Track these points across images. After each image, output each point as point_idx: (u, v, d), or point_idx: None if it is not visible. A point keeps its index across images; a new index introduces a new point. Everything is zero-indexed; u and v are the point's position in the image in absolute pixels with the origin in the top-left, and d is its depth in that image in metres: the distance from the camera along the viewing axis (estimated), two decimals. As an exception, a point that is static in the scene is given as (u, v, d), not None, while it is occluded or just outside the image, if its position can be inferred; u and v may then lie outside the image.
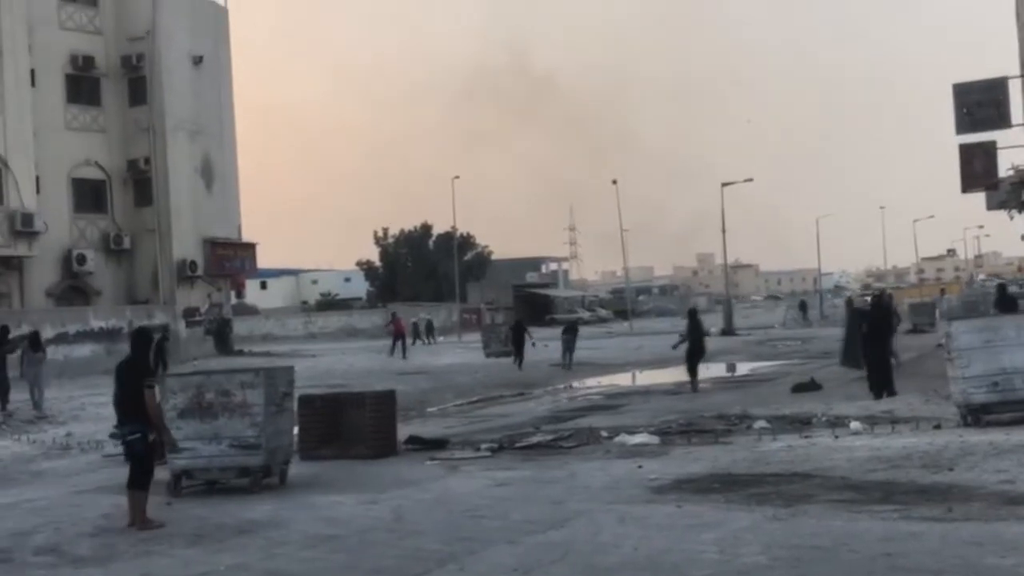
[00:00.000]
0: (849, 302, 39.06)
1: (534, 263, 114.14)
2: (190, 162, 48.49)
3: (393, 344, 47.90)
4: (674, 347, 27.60)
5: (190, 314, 47.53)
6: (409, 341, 53.75)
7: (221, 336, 49.75)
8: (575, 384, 30.20)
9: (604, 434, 16.39)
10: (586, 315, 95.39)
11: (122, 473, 11.72)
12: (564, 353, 35.85)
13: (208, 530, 10.55)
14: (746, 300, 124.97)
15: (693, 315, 27.57)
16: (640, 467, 12.87)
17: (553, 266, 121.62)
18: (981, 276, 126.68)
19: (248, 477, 12.96)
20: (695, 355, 25.97)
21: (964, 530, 8.51)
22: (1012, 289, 65.97)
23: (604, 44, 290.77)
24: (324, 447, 15.46)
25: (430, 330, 63.77)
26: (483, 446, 15.76)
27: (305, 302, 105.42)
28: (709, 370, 29.92)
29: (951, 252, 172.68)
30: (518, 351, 37.09)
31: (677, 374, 27.56)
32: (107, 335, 40.56)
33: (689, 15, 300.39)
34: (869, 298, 32.28)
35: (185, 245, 47.85)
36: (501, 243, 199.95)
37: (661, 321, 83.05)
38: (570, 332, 36.68)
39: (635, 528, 9.41)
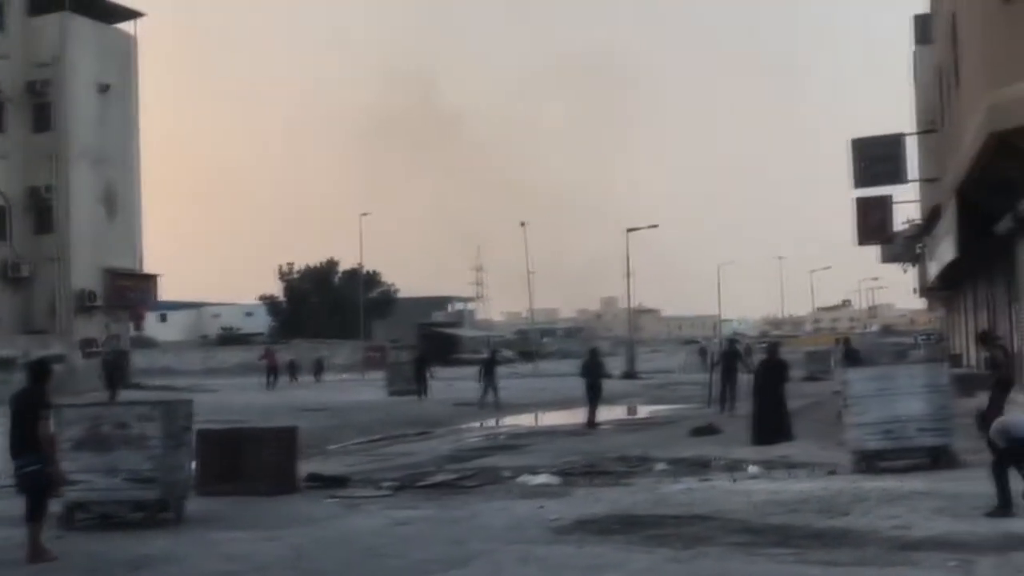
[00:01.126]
0: (704, 350, 42.39)
1: (440, 302, 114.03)
2: (93, 191, 47.76)
3: (268, 377, 49.84)
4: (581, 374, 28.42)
5: (87, 345, 46.58)
6: (286, 378, 54.86)
7: (118, 368, 48.77)
8: (479, 424, 30.18)
9: (507, 474, 16.43)
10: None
11: (10, 506, 11.42)
12: (486, 390, 35.02)
13: (101, 565, 10.32)
14: (649, 344, 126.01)
15: (594, 354, 28.84)
16: (542, 507, 12.90)
17: (460, 305, 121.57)
18: (874, 327, 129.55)
19: (144, 511, 12.73)
20: (591, 390, 26.97)
21: (859, 574, 8.69)
22: (907, 340, 68.04)
23: (512, 85, 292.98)
24: (222, 483, 15.22)
25: (319, 368, 63.25)
26: (384, 484, 15.68)
27: (206, 336, 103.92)
28: (612, 412, 30.22)
29: (846, 303, 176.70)
30: (421, 384, 39.15)
31: (581, 416, 27.80)
32: (0, 364, 39.55)
33: (595, 59, 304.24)
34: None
35: (85, 275, 47.01)
36: (407, 281, 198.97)
37: (565, 363, 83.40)
38: (487, 367, 36.08)
39: (536, 568, 9.43)
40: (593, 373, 27.36)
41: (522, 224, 79.48)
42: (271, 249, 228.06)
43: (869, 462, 15.05)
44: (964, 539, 9.85)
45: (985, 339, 20.10)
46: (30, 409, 10.78)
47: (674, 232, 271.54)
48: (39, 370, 11.29)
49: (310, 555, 10.52)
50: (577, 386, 28.68)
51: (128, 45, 51.27)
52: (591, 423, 26.49)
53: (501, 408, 33.86)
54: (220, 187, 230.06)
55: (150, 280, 52.11)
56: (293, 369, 59.53)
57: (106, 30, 49.92)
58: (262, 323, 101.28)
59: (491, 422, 30.62)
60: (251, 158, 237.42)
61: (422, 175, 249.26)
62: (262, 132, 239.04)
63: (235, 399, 40.60)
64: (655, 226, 69.59)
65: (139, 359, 61.59)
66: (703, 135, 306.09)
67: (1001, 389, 16.42)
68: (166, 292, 60.12)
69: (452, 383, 41.73)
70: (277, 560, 10.33)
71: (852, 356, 27.47)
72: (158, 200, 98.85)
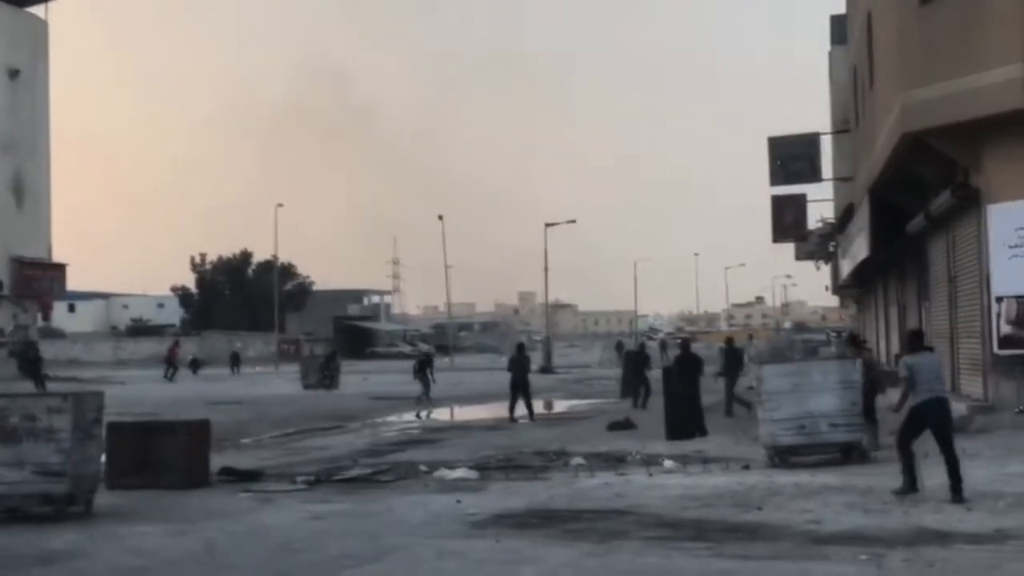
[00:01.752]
0: (620, 345, 44.58)
1: (356, 295, 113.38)
2: (1, 178, 46.63)
3: (167, 368, 51.13)
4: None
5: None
6: (187, 371, 55.83)
7: (34, 360, 47.78)
8: (393, 419, 30.00)
9: (423, 468, 16.35)
10: (407, 349, 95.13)
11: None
12: (428, 386, 35.18)
13: (8, 560, 10.05)
14: (565, 339, 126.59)
15: (520, 349, 29.02)
16: (459, 502, 12.85)
17: (376, 299, 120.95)
18: (787, 324, 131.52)
19: (52, 505, 12.44)
20: (516, 386, 27.06)
21: (774, 568, 8.77)
22: (819, 337, 69.38)
23: (430, 79, 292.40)
24: (132, 476, 14.92)
25: (236, 361, 62.93)
26: (299, 479, 15.50)
27: (115, 327, 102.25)
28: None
29: (760, 299, 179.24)
30: (331, 377, 41.68)
31: (498, 410, 27.82)
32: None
33: (512, 54, 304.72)
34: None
35: (-9, 263, 45.92)
36: (323, 274, 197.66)
37: (482, 357, 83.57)
38: (421, 364, 36.29)
39: (453, 563, 9.37)
40: (520, 367, 27.46)
41: (440, 218, 79.72)
42: (183, 240, 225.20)
43: (782, 457, 15.25)
44: (875, 533, 10.00)
45: (854, 343, 21.23)
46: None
47: (592, 227, 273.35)
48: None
49: (222, 549, 10.35)
50: (495, 380, 28.61)
51: (40, 30, 50.12)
52: (529, 415, 26.77)
53: (421, 403, 33.78)
54: (132, 177, 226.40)
55: (59, 269, 51.07)
56: (195, 364, 59.12)
57: (17, 14, 48.76)
58: (174, 314, 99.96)
59: (408, 416, 30.48)
60: (164, 147, 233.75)
61: (339, 167, 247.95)
62: (175, 121, 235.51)
63: (146, 391, 39.99)
64: (573, 221, 69.96)
65: (47, 350, 60.31)
66: (622, 131, 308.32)
67: (870, 390, 16.84)
68: (75, 282, 59.06)
69: (367, 377, 41.51)
70: (188, 554, 10.15)
71: (733, 356, 27.63)
72: (68, 188, 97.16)
